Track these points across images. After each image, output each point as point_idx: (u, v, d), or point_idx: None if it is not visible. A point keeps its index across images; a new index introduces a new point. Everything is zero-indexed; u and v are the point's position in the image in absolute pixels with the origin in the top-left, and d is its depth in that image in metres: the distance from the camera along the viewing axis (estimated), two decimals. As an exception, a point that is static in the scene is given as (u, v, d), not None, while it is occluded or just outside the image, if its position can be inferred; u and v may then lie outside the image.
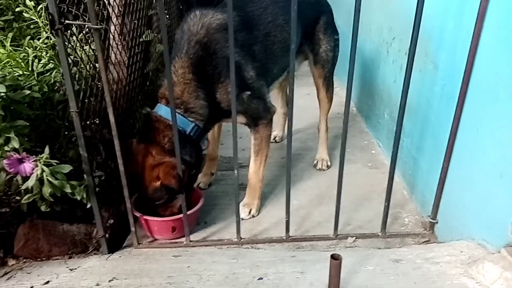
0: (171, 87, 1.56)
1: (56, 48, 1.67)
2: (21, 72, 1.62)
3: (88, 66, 1.72)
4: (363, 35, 2.80)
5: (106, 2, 1.89)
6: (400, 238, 1.88)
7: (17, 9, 1.83)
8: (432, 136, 1.93)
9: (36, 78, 1.63)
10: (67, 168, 1.51)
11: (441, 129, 1.79)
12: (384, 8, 2.66)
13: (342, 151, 1.68)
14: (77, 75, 1.62)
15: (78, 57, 1.66)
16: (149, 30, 2.28)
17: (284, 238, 1.87)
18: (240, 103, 1.82)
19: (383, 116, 2.65)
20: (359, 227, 1.97)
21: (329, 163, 2.54)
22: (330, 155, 2.59)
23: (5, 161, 1.40)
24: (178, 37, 1.83)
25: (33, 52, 1.69)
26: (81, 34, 1.73)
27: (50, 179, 1.45)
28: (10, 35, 1.75)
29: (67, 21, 1.38)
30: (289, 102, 1.59)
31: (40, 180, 1.47)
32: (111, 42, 1.89)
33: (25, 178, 1.47)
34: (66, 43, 1.44)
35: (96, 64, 1.74)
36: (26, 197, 1.53)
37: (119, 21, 1.92)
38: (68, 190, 1.52)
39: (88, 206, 1.65)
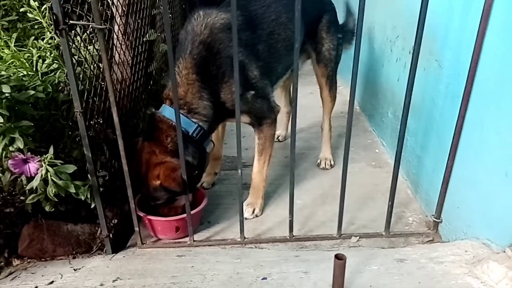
0: (175, 88, 1.56)
1: (60, 48, 1.68)
2: (25, 73, 1.62)
3: (92, 66, 1.72)
4: (366, 33, 2.81)
5: (110, 2, 1.89)
6: (404, 238, 1.88)
7: (21, 10, 1.83)
8: (437, 135, 1.92)
9: (40, 78, 1.63)
10: (71, 168, 1.51)
11: (445, 127, 1.78)
12: (387, 7, 2.65)
13: (346, 150, 1.67)
14: (81, 75, 1.62)
15: (82, 57, 1.66)
16: (152, 30, 2.28)
17: (288, 237, 1.86)
18: (244, 102, 1.82)
19: (386, 115, 2.64)
20: (362, 226, 1.97)
21: (332, 162, 2.54)
22: (333, 154, 2.59)
23: (10, 162, 1.40)
24: (182, 37, 1.83)
25: (37, 53, 1.69)
26: (85, 34, 1.73)
27: (54, 179, 1.46)
28: (15, 35, 1.74)
29: (71, 22, 1.38)
30: (293, 101, 1.59)
31: (45, 180, 1.47)
32: (115, 42, 1.89)
33: (30, 178, 1.48)
34: (70, 43, 1.44)
35: (100, 64, 1.74)
36: (30, 197, 1.53)
37: (123, 21, 1.92)
38: (72, 190, 1.52)
39: (92, 206, 1.65)
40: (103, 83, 1.75)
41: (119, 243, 1.82)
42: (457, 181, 1.73)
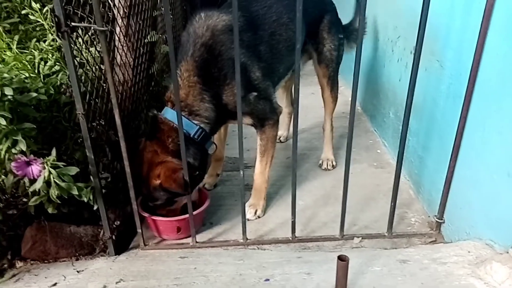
0: (177, 90, 1.56)
1: (62, 50, 1.68)
2: (27, 75, 1.62)
3: (93, 68, 1.72)
4: (368, 33, 2.81)
5: (111, 4, 1.89)
6: (406, 238, 1.87)
7: (23, 12, 1.83)
8: (438, 135, 1.92)
9: (42, 80, 1.63)
10: (74, 170, 1.51)
11: (447, 128, 1.78)
12: (388, 7, 2.65)
13: (348, 151, 1.67)
14: (83, 77, 1.62)
15: (84, 59, 1.66)
16: (153, 31, 2.29)
17: (290, 238, 1.86)
18: (246, 104, 1.82)
19: (388, 115, 2.64)
20: (365, 227, 1.96)
21: (334, 163, 2.54)
22: (335, 154, 2.59)
23: (13, 164, 1.40)
24: (184, 39, 1.83)
25: (39, 55, 1.69)
26: (87, 35, 1.73)
27: (57, 181, 1.46)
28: (17, 37, 1.75)
29: (73, 24, 1.38)
30: (294, 102, 1.59)
31: (47, 182, 1.47)
32: (116, 44, 1.90)
33: (33, 181, 1.48)
34: (72, 45, 1.44)
35: (102, 66, 1.75)
36: (33, 199, 1.54)
37: (125, 23, 1.92)
38: (75, 192, 1.52)
39: (95, 208, 1.65)
40: (105, 85, 1.75)
41: (121, 245, 1.82)
42: (460, 181, 1.73)
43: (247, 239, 1.86)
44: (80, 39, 1.64)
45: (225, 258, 1.74)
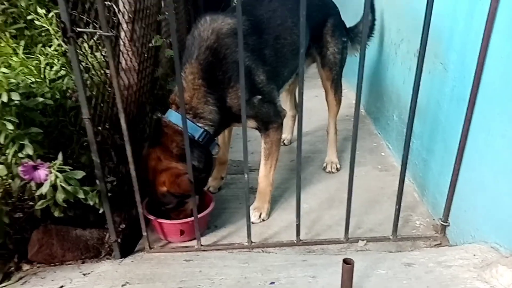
0: (182, 93, 1.57)
1: (68, 55, 1.70)
2: (33, 80, 1.63)
3: (99, 73, 1.74)
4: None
5: (116, 9, 1.91)
6: (411, 241, 1.87)
7: (28, 17, 1.85)
8: (443, 138, 1.92)
9: (48, 85, 1.65)
10: (80, 174, 1.52)
11: (451, 130, 1.78)
12: (391, 10, 2.66)
13: (353, 154, 1.67)
14: (88, 82, 1.64)
15: (89, 63, 1.68)
16: (158, 36, 2.30)
17: (295, 242, 1.86)
18: (250, 107, 1.83)
19: (392, 118, 2.64)
20: (369, 230, 1.96)
21: (338, 166, 2.54)
22: (339, 157, 2.59)
23: (20, 168, 1.42)
24: (189, 42, 1.85)
25: (45, 60, 1.71)
26: (92, 40, 1.75)
27: (63, 185, 1.47)
28: (23, 43, 1.76)
29: (79, 29, 1.39)
30: (298, 105, 1.60)
31: (54, 186, 1.49)
32: (121, 49, 1.91)
33: (39, 184, 1.49)
34: (78, 51, 1.46)
35: (107, 71, 1.76)
36: (40, 203, 1.55)
37: (129, 28, 1.94)
38: (81, 195, 1.53)
39: (101, 211, 1.66)
40: (110, 89, 1.76)
41: (127, 248, 1.83)
42: (464, 184, 1.72)
43: (251, 242, 1.86)
44: (85, 44, 1.65)
45: (230, 261, 1.75)
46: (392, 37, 2.62)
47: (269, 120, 1.95)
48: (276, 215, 2.13)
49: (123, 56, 1.92)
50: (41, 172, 1.44)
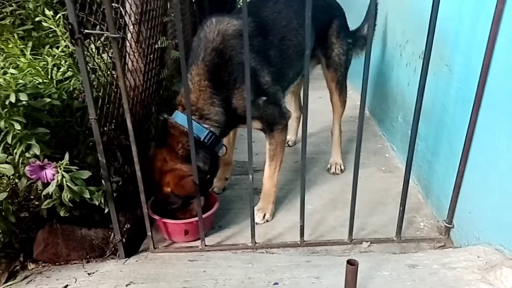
0: (187, 94, 1.58)
1: (75, 56, 1.71)
2: (41, 80, 1.65)
3: (105, 74, 1.75)
4: (376, 38, 2.81)
5: (123, 11, 1.93)
6: (415, 243, 1.87)
7: (36, 19, 1.87)
8: (448, 139, 1.92)
9: (55, 86, 1.66)
10: (86, 174, 1.54)
11: (456, 132, 1.78)
12: (397, 11, 2.66)
13: (357, 155, 1.68)
14: (95, 83, 1.65)
15: (96, 65, 1.69)
16: (164, 37, 2.32)
17: (299, 242, 1.87)
18: (256, 108, 1.84)
19: (397, 119, 2.64)
20: (373, 231, 1.96)
21: (342, 167, 2.54)
22: (343, 159, 2.59)
23: (27, 168, 1.43)
24: (195, 44, 1.86)
25: (52, 61, 1.72)
26: (99, 42, 1.76)
27: (70, 185, 1.48)
28: (30, 44, 1.78)
29: (86, 31, 1.41)
30: (303, 107, 1.60)
31: (60, 186, 1.50)
32: (127, 50, 1.92)
33: (46, 184, 1.51)
34: (85, 52, 1.47)
35: (113, 72, 1.78)
36: (46, 202, 1.56)
37: (136, 29, 1.96)
38: (87, 195, 1.55)
39: (106, 211, 1.68)
40: (116, 90, 1.78)
41: (131, 248, 1.84)
42: (469, 186, 1.72)
43: (255, 243, 1.87)
44: (92, 46, 1.67)
45: (234, 261, 1.75)
46: (397, 39, 2.62)
47: (274, 122, 1.96)
48: (280, 216, 2.13)
49: (129, 58, 1.93)
50: (48, 172, 1.45)
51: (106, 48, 1.79)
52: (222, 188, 2.35)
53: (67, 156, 1.51)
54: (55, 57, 1.75)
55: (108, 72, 1.78)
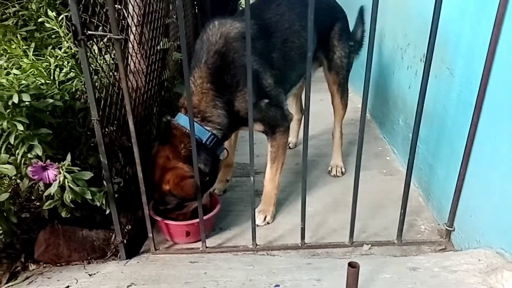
0: (190, 97, 1.59)
1: (77, 57, 1.72)
2: (43, 81, 1.65)
3: (108, 75, 1.75)
4: (377, 41, 2.82)
5: (126, 13, 1.93)
6: (416, 246, 1.87)
7: (39, 20, 1.88)
8: (449, 142, 1.92)
9: (57, 87, 1.67)
10: (88, 175, 1.54)
11: (457, 135, 1.78)
12: (398, 14, 2.66)
13: (358, 158, 1.68)
14: (97, 84, 1.65)
15: (98, 66, 1.69)
16: (166, 39, 2.32)
17: (300, 245, 1.87)
18: (258, 111, 1.84)
19: (397, 122, 2.64)
20: (374, 234, 1.96)
21: (343, 170, 2.54)
22: (344, 161, 2.59)
23: (29, 169, 1.43)
24: (197, 47, 1.87)
25: (55, 62, 1.72)
26: (101, 43, 1.77)
27: (71, 185, 1.49)
28: (33, 45, 1.79)
29: (89, 32, 1.41)
30: (305, 109, 1.60)
31: (61, 187, 1.50)
32: (130, 51, 1.93)
33: (47, 185, 1.51)
34: (88, 53, 1.48)
35: (115, 73, 1.78)
36: (47, 203, 1.57)
37: (138, 31, 1.96)
38: (88, 196, 1.55)
39: (107, 212, 1.68)
40: (118, 91, 1.78)
41: (132, 249, 1.84)
42: (470, 189, 1.72)
43: (256, 244, 1.87)
44: (95, 47, 1.67)
45: (235, 263, 1.75)
46: (399, 42, 2.63)
47: (276, 124, 1.96)
48: (281, 218, 2.13)
49: (131, 59, 1.94)
50: (50, 173, 1.45)
51: (108, 49, 1.79)
52: (223, 190, 2.35)
53: (69, 157, 1.51)
54: (58, 58, 1.75)
55: (110, 73, 1.78)
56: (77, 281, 1.64)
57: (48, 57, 1.76)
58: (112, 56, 1.78)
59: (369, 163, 2.60)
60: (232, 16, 1.97)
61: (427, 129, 2.09)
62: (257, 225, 1.97)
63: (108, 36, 1.48)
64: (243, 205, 2.21)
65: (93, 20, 1.66)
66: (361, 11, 2.56)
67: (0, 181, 1.60)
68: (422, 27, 2.19)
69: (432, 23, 1.47)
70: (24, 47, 1.77)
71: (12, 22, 1.93)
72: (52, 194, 1.51)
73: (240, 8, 4.93)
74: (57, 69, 1.72)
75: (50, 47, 1.83)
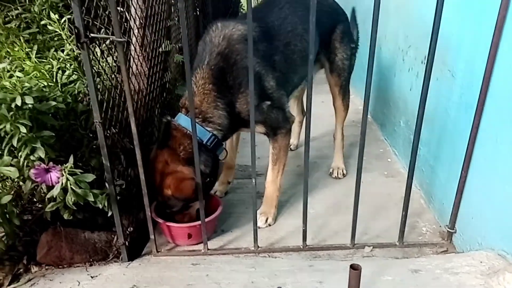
0: (191, 97, 1.59)
1: (79, 59, 1.72)
2: (46, 84, 1.66)
3: (110, 77, 1.76)
4: (378, 43, 2.82)
5: (128, 15, 1.94)
6: (417, 248, 1.87)
7: (42, 22, 1.88)
8: (450, 145, 1.92)
9: (60, 89, 1.67)
10: (90, 177, 1.54)
11: (459, 138, 1.78)
12: (399, 16, 2.67)
13: (360, 160, 1.68)
14: (99, 87, 1.66)
15: (101, 68, 1.70)
16: (167, 41, 2.33)
17: (301, 247, 1.87)
18: (259, 112, 1.85)
19: (399, 124, 2.64)
20: (376, 236, 1.96)
21: (345, 172, 2.54)
22: (345, 163, 2.60)
23: (32, 171, 1.44)
24: (200, 48, 1.88)
25: (58, 64, 1.73)
26: (103, 45, 1.77)
27: (74, 188, 1.49)
28: (35, 47, 1.79)
29: (92, 35, 1.42)
30: (307, 111, 1.61)
31: (64, 189, 1.51)
32: (132, 54, 1.94)
33: (50, 187, 1.51)
34: (91, 56, 1.48)
35: (117, 75, 1.79)
36: (50, 205, 1.57)
37: (141, 33, 1.97)
38: (91, 198, 1.55)
39: (109, 214, 1.68)
40: (120, 94, 1.78)
41: (134, 251, 1.85)
42: (471, 191, 1.73)
43: (258, 247, 1.87)
44: (97, 49, 1.68)
45: (237, 265, 1.76)
46: (400, 44, 2.63)
47: (278, 126, 1.96)
48: (283, 220, 2.13)
49: (133, 61, 1.95)
50: (53, 175, 1.46)
51: (110, 52, 1.80)
52: (224, 192, 2.35)
53: (71, 159, 1.51)
54: (60, 61, 1.75)
55: (113, 76, 1.78)
56: (79, 283, 1.64)
57: (51, 59, 1.77)
58: (115, 59, 1.78)
59: (370, 165, 2.61)
60: (234, 18, 1.98)
61: (428, 131, 2.09)
62: (259, 227, 1.97)
63: (111, 38, 1.49)
64: (245, 207, 2.22)
65: (96, 22, 1.67)
66: (353, 12, 2.56)
67: (2, 183, 1.61)
68: (423, 29, 2.19)
69: (434, 25, 1.47)
70: (27, 50, 1.78)
71: (15, 25, 1.94)
72: (54, 196, 1.51)
73: (242, 11, 4.94)
74: (60, 72, 1.73)
75: (52, 50, 1.83)
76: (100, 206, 1.62)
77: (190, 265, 1.76)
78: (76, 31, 1.38)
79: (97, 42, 1.69)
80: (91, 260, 1.78)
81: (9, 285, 1.67)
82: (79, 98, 1.72)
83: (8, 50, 1.77)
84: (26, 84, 1.51)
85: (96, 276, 1.69)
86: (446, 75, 1.94)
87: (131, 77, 1.89)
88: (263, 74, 1.86)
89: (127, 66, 1.76)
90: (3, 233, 1.63)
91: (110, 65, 1.78)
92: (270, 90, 1.90)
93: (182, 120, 1.84)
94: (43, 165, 1.44)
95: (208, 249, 1.86)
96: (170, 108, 2.36)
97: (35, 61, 1.73)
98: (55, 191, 1.48)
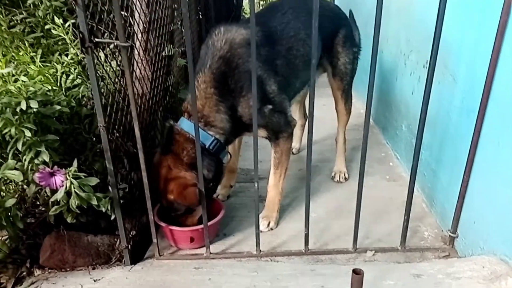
0: (195, 102, 1.60)
1: (83, 63, 1.74)
2: (50, 88, 1.67)
3: (114, 81, 1.77)
4: (380, 46, 2.82)
5: (132, 20, 1.95)
6: (419, 252, 1.87)
7: (46, 27, 1.90)
8: (452, 149, 1.92)
9: (64, 93, 1.68)
10: (94, 181, 1.55)
11: (461, 142, 1.79)
12: (401, 20, 2.68)
13: (362, 164, 1.69)
14: (103, 91, 1.67)
15: (105, 73, 1.71)
16: (171, 45, 2.34)
17: (303, 251, 1.87)
18: (261, 116, 1.85)
19: (400, 128, 2.65)
20: (378, 240, 1.96)
21: (347, 175, 2.54)
22: (347, 167, 2.60)
23: (37, 175, 1.45)
24: (202, 52, 1.88)
25: (62, 68, 1.74)
26: (107, 49, 1.79)
27: (78, 191, 1.50)
28: (40, 51, 1.81)
29: (96, 39, 1.43)
30: (309, 115, 1.61)
31: (67, 192, 1.52)
32: (136, 58, 1.95)
33: (54, 191, 1.52)
34: (95, 60, 1.49)
35: (121, 80, 1.80)
36: (53, 208, 1.57)
37: (144, 38, 1.98)
38: (94, 202, 1.56)
39: (112, 217, 1.68)
40: (124, 98, 1.80)
41: (137, 255, 1.85)
42: (474, 195, 1.73)
43: (260, 251, 1.87)
44: (101, 54, 1.69)
45: (239, 269, 1.76)
46: (402, 48, 2.64)
47: (280, 130, 1.97)
48: (285, 224, 2.14)
49: (137, 65, 1.96)
50: (57, 179, 1.46)
51: (114, 56, 1.81)
52: (226, 196, 2.36)
53: (75, 163, 1.52)
54: (64, 65, 1.77)
55: (116, 80, 1.79)
56: (82, 286, 1.65)
57: (55, 63, 1.78)
58: (118, 63, 1.79)
59: (372, 169, 2.61)
60: (236, 23, 1.99)
61: (430, 135, 2.10)
62: (261, 231, 1.97)
63: (115, 43, 1.50)
64: (247, 211, 2.22)
65: (100, 27, 1.68)
66: (351, 15, 2.57)
67: (6, 187, 1.62)
68: (425, 33, 2.20)
69: (436, 29, 1.48)
70: (31, 54, 1.79)
71: (20, 29, 1.95)
72: (58, 199, 1.52)
73: (244, 15, 4.96)
74: (64, 76, 1.74)
75: (57, 54, 1.85)
76: (103, 210, 1.62)
77: (193, 269, 1.77)
78: (81, 35, 1.39)
79: (101, 46, 1.70)
80: (93, 263, 1.79)
81: (12, 288, 1.68)
82: (83, 102, 1.73)
83: (13, 54, 1.78)
84: (31, 88, 1.52)
85: (99, 279, 1.69)
86: (448, 79, 1.94)
87: (134, 81, 1.91)
88: (265, 78, 1.87)
89: (131, 70, 1.77)
90: (7, 236, 1.64)
91: (114, 69, 1.79)
92: (272, 94, 1.90)
93: (185, 124, 1.85)
94: (47, 169, 1.45)
95: (210, 253, 1.87)
96: (172, 111, 2.37)
97: (39, 65, 1.74)
98: (59, 195, 1.49)
